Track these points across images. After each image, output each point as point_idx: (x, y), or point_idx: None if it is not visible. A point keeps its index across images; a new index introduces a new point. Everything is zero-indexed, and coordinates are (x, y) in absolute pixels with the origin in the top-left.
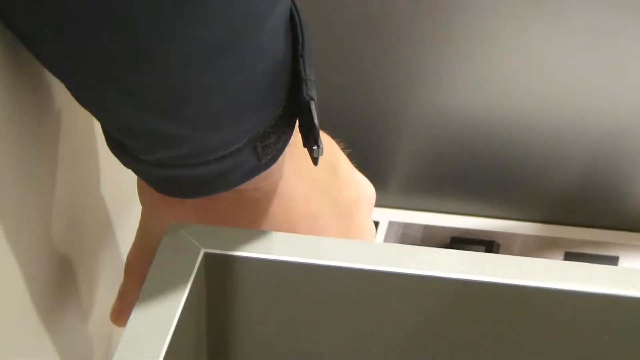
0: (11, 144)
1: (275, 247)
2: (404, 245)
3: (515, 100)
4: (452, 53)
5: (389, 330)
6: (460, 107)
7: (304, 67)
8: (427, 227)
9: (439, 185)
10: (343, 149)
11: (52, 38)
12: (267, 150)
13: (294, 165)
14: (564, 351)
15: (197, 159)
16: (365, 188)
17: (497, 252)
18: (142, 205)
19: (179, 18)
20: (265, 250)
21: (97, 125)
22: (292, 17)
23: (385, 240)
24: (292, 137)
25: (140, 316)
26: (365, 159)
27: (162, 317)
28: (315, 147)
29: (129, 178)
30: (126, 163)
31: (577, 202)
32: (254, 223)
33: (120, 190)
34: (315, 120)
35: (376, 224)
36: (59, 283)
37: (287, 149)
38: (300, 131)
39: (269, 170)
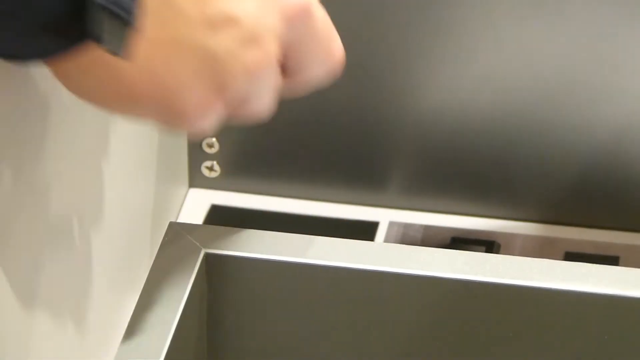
0: (10, 143)
1: (275, 247)
2: (404, 245)
3: (515, 100)
4: (452, 53)
5: (389, 330)
6: (460, 107)
7: None
8: (427, 227)
9: (439, 185)
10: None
11: None
12: None
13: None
14: (564, 351)
15: None
16: None
17: (497, 252)
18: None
19: None
20: (265, 250)
21: (98, 125)
22: None
23: (386, 240)
24: None
25: (140, 316)
26: (366, 159)
27: (162, 317)
28: None
29: (129, 178)
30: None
31: (577, 202)
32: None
33: (120, 190)
34: None
35: (376, 224)
36: (59, 283)
37: None
38: None
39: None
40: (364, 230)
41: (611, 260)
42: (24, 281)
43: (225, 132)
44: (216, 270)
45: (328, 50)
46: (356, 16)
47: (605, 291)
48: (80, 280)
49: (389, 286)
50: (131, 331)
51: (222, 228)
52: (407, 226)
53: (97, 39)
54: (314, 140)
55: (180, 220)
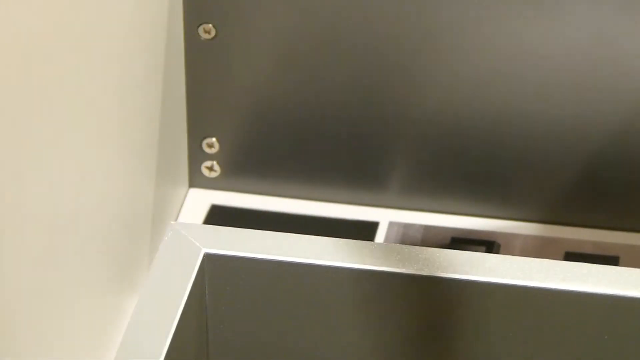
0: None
1: (275, 247)
2: (404, 245)
3: (515, 100)
4: (453, 53)
5: (388, 330)
6: (460, 107)
7: None
8: (427, 227)
9: (439, 185)
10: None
11: None
12: None
13: None
14: (564, 351)
15: None
16: None
17: (497, 252)
18: None
19: None
20: (265, 250)
21: (98, 125)
22: None
23: (386, 240)
24: None
25: (140, 316)
26: (366, 159)
27: (162, 317)
28: None
29: (129, 178)
30: None
31: (577, 202)
32: None
33: (120, 190)
34: None
35: (376, 224)
36: (58, 283)
37: None
38: None
39: None
40: (364, 230)
41: (611, 260)
42: (23, 281)
43: (225, 132)
44: (216, 270)
45: None
46: (356, 16)
47: (605, 291)
48: (79, 280)
49: (389, 287)
50: (131, 331)
51: (222, 228)
52: (407, 226)
53: None
54: (314, 141)
55: (180, 220)
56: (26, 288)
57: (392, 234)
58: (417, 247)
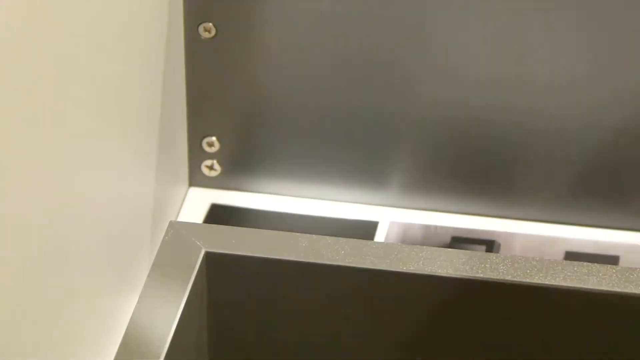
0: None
1: (275, 247)
2: (404, 245)
3: (515, 100)
4: (453, 52)
5: (389, 330)
6: (460, 107)
7: None
8: (427, 227)
9: (439, 184)
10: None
11: None
12: None
13: None
14: (564, 350)
15: None
16: None
17: (497, 251)
18: None
19: None
20: (265, 250)
21: (98, 124)
22: None
23: (386, 239)
24: None
25: (140, 316)
26: (366, 159)
27: (162, 316)
28: None
29: (129, 177)
30: None
31: (577, 202)
32: None
33: (120, 189)
34: None
35: (376, 223)
36: (58, 282)
37: None
38: None
39: None
40: (364, 230)
41: (611, 260)
42: (23, 281)
43: (225, 131)
44: (216, 270)
45: None
46: (356, 15)
47: (606, 290)
48: (79, 280)
49: (389, 286)
50: (131, 331)
51: (222, 227)
52: (407, 226)
53: None
54: (314, 140)
55: (180, 219)
56: (26, 288)
57: (392, 233)
58: (417, 246)
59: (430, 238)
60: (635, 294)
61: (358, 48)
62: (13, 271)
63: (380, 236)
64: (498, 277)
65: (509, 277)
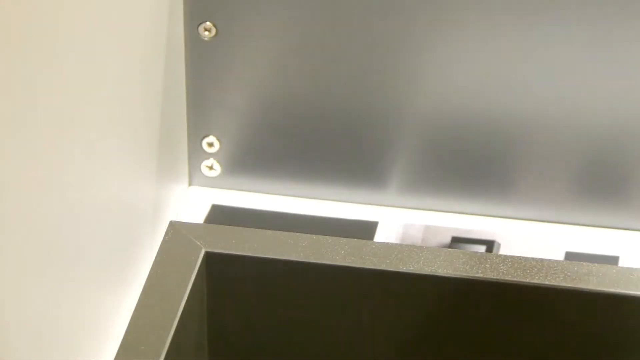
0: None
1: (275, 247)
2: (404, 245)
3: (515, 100)
4: (453, 52)
5: (389, 329)
6: (460, 107)
7: None
8: (427, 227)
9: (439, 184)
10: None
11: None
12: None
13: None
14: (564, 350)
15: None
16: None
17: (497, 251)
18: None
19: None
20: (265, 249)
21: (98, 124)
22: None
23: (386, 239)
24: None
25: (140, 316)
26: (365, 159)
27: (162, 316)
28: None
29: (129, 177)
30: None
31: (577, 201)
32: None
33: (120, 189)
34: None
35: (376, 223)
36: (58, 282)
37: None
38: None
39: None
40: (364, 230)
41: (611, 260)
42: (23, 280)
43: (225, 131)
44: (216, 270)
45: None
46: (356, 16)
47: (606, 290)
48: (79, 279)
49: (389, 286)
50: (131, 331)
51: (222, 227)
52: (407, 226)
53: None
54: (314, 140)
55: (181, 219)
56: (26, 287)
57: (392, 233)
58: (417, 246)
59: (430, 238)
60: (635, 294)
61: (358, 48)
62: (13, 271)
63: (380, 236)
64: (498, 277)
65: (509, 277)
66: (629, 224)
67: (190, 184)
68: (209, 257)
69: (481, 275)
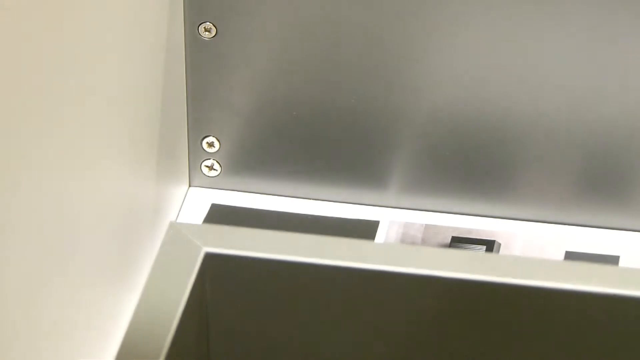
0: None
1: (275, 246)
2: (404, 245)
3: (515, 100)
4: (453, 52)
5: (389, 330)
6: (460, 107)
7: None
8: (427, 227)
9: (439, 184)
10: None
11: None
12: None
13: None
14: (564, 351)
15: None
16: None
17: (497, 251)
18: None
19: None
20: (265, 250)
21: (98, 124)
22: None
23: (386, 239)
24: None
25: (140, 316)
26: (366, 158)
27: (162, 316)
28: None
29: (129, 177)
30: None
31: (577, 201)
32: None
33: (120, 189)
34: None
35: (376, 223)
36: (57, 282)
37: None
38: None
39: None
40: (365, 230)
41: (611, 260)
42: (23, 281)
43: (225, 131)
44: (216, 270)
45: None
46: (356, 15)
47: (606, 291)
48: (79, 280)
49: (389, 286)
50: (131, 331)
51: (223, 227)
52: (407, 226)
53: None
54: (314, 140)
55: (180, 219)
56: (26, 287)
57: (393, 233)
58: (417, 246)
59: (430, 238)
60: (635, 294)
61: (358, 48)
62: (13, 271)
63: (380, 236)
64: (498, 277)
65: (509, 277)
66: (629, 224)
67: (190, 184)
68: (209, 257)
69: (481, 275)
